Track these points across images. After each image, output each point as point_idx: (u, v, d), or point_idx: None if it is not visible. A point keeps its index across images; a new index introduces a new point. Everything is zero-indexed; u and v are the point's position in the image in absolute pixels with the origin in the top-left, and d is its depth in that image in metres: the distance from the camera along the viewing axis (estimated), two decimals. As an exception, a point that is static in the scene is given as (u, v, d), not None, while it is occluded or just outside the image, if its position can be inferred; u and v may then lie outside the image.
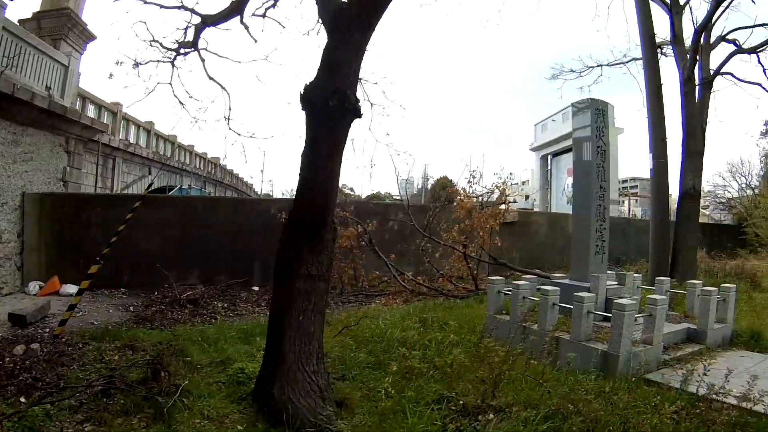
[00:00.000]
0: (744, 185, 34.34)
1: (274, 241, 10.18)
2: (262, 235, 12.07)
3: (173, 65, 8.60)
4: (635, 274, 9.04)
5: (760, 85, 13.76)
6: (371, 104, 13.33)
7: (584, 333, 6.44)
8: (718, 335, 7.53)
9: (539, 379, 5.30)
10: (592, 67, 16.13)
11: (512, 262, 15.97)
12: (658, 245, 11.44)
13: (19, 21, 13.59)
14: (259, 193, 52.63)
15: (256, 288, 12.31)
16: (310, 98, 4.72)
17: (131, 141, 23.79)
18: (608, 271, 8.64)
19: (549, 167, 43.91)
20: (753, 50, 13.29)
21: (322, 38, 8.43)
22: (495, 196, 12.60)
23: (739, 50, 13.17)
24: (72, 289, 10.43)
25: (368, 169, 21.13)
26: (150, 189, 26.42)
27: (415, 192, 68.18)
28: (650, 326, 6.33)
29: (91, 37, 15.69)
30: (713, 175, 38.90)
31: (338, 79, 4.66)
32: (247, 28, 8.41)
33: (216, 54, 8.88)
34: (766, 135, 23.79)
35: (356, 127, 5.67)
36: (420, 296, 11.28)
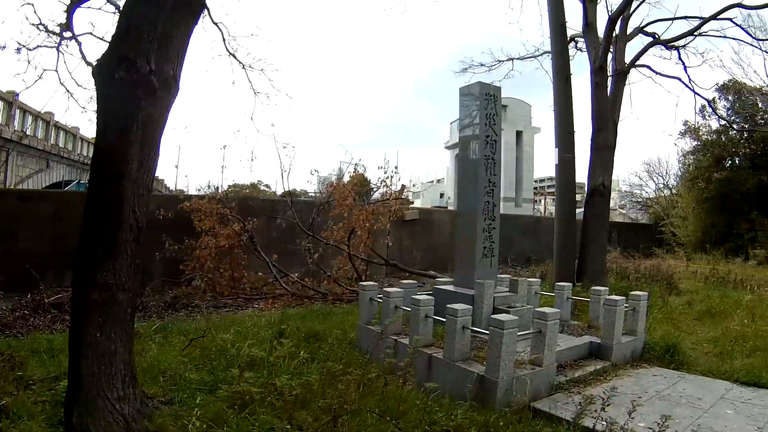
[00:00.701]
0: (661, 185, 35.15)
1: (155, 240, 9.06)
2: (150, 232, 10.68)
3: (59, 51, 7.94)
4: (532, 279, 8.24)
5: (679, 79, 13.32)
6: (255, 93, 12.60)
7: (459, 352, 5.46)
8: (627, 350, 6.63)
9: (397, 407, 4.44)
10: (503, 60, 15.45)
11: (413, 263, 15.38)
12: (564, 246, 10.75)
13: None
14: (172, 189, 49.95)
15: (149, 288, 10.80)
16: (99, 70, 4.10)
17: (28, 133, 21.68)
18: (503, 276, 7.83)
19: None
20: (671, 42, 12.80)
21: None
22: (397, 192, 11.56)
23: (656, 42, 12.59)
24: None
25: (250, 162, 19.59)
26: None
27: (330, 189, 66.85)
28: (540, 344, 5.34)
29: None
30: (630, 174, 39.73)
31: (129, 45, 3.99)
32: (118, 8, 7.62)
33: (102, 39, 8.09)
34: (685, 135, 23.96)
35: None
36: (305, 300, 10.49)
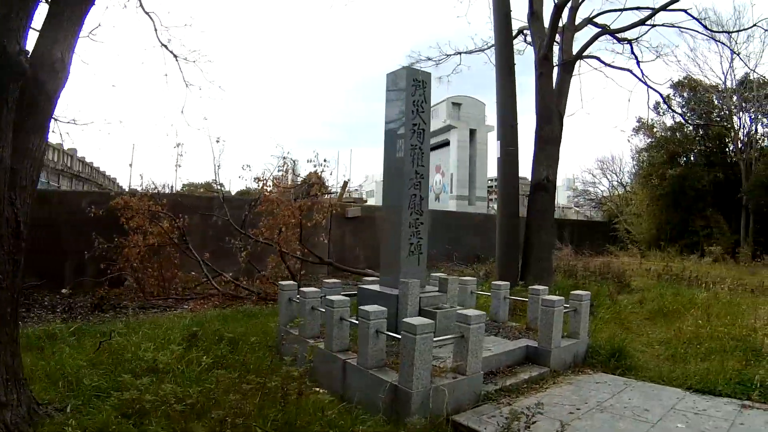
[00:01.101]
0: (615, 182, 35.25)
1: (86, 238, 8.45)
2: (72, 232, 10.60)
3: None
4: (467, 278, 7.79)
5: (630, 71, 13.03)
6: (187, 84, 12.12)
7: (373, 358, 4.97)
8: (567, 354, 6.10)
9: (295, 420, 3.98)
10: (450, 54, 14.97)
11: (357, 262, 15.00)
12: (506, 244, 10.34)
13: None
14: (126, 188, 48.46)
15: (65, 291, 10.56)
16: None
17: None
18: (438, 275, 7.38)
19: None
20: (620, 31, 12.43)
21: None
22: (336, 188, 11.05)
23: (605, 31, 12.18)
24: None
25: (177, 157, 18.98)
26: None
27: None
28: (463, 350, 4.82)
29: None
30: (583, 171, 39.77)
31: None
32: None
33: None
34: (639, 131, 23.90)
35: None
36: (237, 300, 10.11)
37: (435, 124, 40.51)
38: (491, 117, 42.09)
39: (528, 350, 6.05)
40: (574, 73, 11.69)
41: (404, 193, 6.41)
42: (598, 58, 12.60)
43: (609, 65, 12.73)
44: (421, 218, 6.52)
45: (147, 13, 10.30)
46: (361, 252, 15.51)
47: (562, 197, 51.09)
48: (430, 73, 6.72)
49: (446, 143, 40.38)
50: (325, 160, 10.78)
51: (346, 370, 5.17)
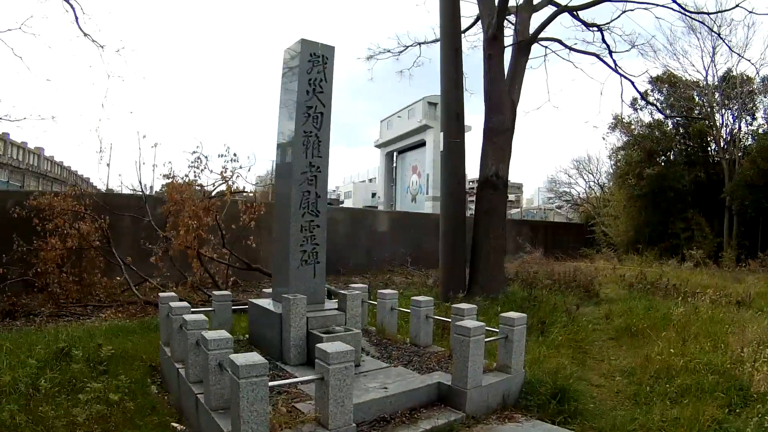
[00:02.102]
0: (592, 183, 34.08)
1: (6, 241, 8.48)
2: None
3: None
4: (387, 291, 6.70)
5: (597, 56, 11.70)
6: (108, 75, 11.42)
7: (217, 397, 3.88)
8: (493, 395, 4.70)
9: None
10: (409, 45, 13.84)
11: None
12: (450, 249, 9.24)
13: None
14: (102, 189, 47.11)
15: None
16: None
17: None
18: (359, 286, 6.36)
19: (394, 164, 44.68)
20: (581, 10, 11.09)
21: None
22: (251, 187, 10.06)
23: (564, 9, 10.68)
24: None
25: (101, 153, 17.87)
26: None
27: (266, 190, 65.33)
28: (323, 396, 3.59)
29: None
30: (558, 172, 38.57)
31: None
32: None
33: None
34: (615, 129, 22.71)
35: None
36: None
37: (411, 124, 39.97)
38: (469, 118, 41.34)
39: (440, 388, 4.66)
40: (532, 58, 10.55)
41: (293, 189, 5.33)
42: (558, 41, 11.30)
43: (572, 48, 11.44)
44: (316, 220, 5.45)
45: (67, 1, 9.54)
46: None
47: (542, 199, 50.32)
48: (333, 47, 5.62)
49: (422, 143, 39.50)
50: (234, 155, 9.60)
51: (198, 408, 4.11)
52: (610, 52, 11.85)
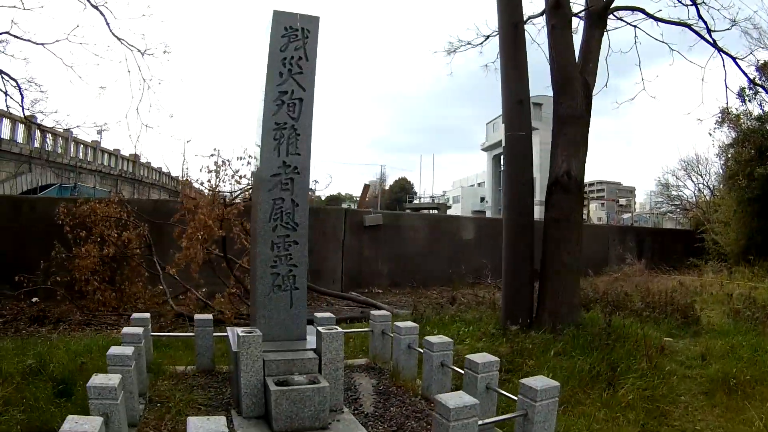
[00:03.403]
0: (701, 185, 30.14)
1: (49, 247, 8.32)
2: (43, 239, 9.31)
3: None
4: (407, 325, 5.33)
5: (689, 26, 8.89)
6: (144, 79, 11.03)
7: None
8: None
9: None
10: (489, 35, 12.20)
11: (378, 277, 12.99)
12: (514, 265, 7.62)
13: None
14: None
15: (36, 299, 9.36)
16: None
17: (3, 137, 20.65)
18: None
19: (502, 168, 42.55)
20: None
21: None
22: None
23: None
24: None
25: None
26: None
27: (375, 194, 65.90)
28: None
29: None
30: (666, 173, 34.42)
31: None
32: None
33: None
34: (723, 124, 19.53)
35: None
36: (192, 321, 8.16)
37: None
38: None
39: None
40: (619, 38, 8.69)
41: (261, 195, 4.24)
42: (641, 9, 9.18)
43: (658, 19, 9.23)
44: (293, 235, 4.31)
45: (95, 7, 9.27)
46: (382, 266, 13.29)
47: (653, 203, 46.42)
48: (317, 18, 4.48)
49: (527, 146, 37.99)
50: (219, 155, 8.70)
51: None
52: (709, 31, 9.66)
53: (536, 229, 7.89)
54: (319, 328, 4.13)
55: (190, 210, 8.02)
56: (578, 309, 7.82)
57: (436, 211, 50.73)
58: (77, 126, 14.36)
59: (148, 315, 5.07)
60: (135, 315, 5.04)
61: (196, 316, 5.22)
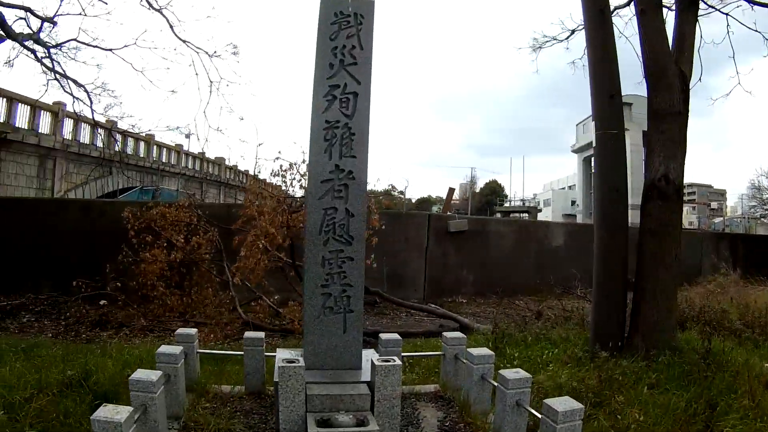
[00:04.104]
0: None
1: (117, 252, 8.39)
2: (111, 243, 9.42)
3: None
4: (479, 351, 4.62)
5: None
6: (211, 82, 10.99)
7: None
8: None
9: None
10: (575, 30, 11.22)
11: (464, 285, 12.41)
12: (605, 279, 6.66)
13: None
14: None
15: (104, 302, 9.45)
16: None
17: (85, 141, 21.74)
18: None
19: (593, 170, 40.93)
20: None
21: None
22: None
23: None
24: None
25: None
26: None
27: (465, 197, 65.14)
28: None
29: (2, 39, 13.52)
30: (760, 176, 30.99)
31: None
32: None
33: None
34: None
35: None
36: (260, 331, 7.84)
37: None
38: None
39: None
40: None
41: (311, 205, 3.73)
42: None
43: (755, 2, 8.04)
44: (348, 250, 3.77)
45: (157, 10, 9.27)
46: (468, 274, 12.66)
47: (746, 207, 42.86)
48: (372, 2, 3.91)
49: (618, 146, 36.04)
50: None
51: None
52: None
53: (632, 235, 6.94)
54: (374, 359, 3.54)
55: (252, 217, 7.68)
56: (674, 331, 6.77)
57: (526, 215, 49.43)
58: (149, 130, 14.63)
59: (194, 330, 4.70)
60: (179, 330, 4.69)
61: (246, 334, 4.79)
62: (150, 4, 9.30)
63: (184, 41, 10.18)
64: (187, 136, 22.14)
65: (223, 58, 12.07)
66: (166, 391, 3.57)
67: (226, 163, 36.48)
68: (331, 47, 3.76)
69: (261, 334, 4.77)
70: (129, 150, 25.45)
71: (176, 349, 3.96)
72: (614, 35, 6.95)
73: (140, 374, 3.32)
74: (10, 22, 10.14)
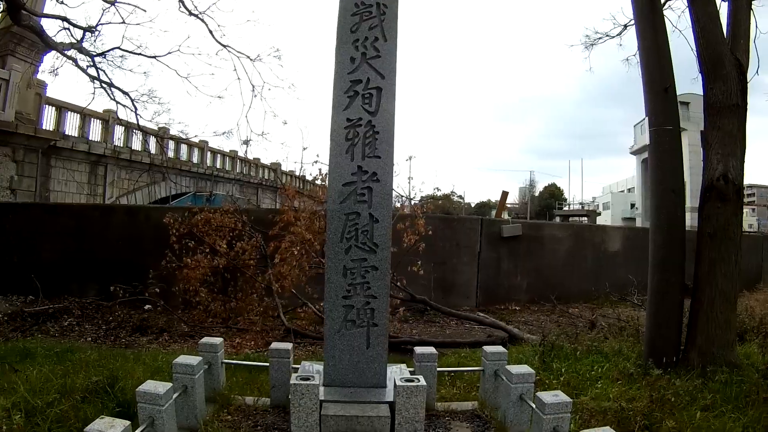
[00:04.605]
0: None
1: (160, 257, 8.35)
2: (156, 247, 9.59)
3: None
4: (519, 369, 4.24)
5: None
6: (253, 86, 10.92)
7: None
8: None
9: None
10: (628, 24, 10.60)
11: (517, 291, 11.95)
12: (660, 291, 6.17)
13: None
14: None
15: (148, 306, 9.61)
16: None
17: (136, 148, 22.26)
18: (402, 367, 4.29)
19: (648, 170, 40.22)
20: None
21: None
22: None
23: None
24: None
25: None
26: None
27: (524, 201, 64.42)
28: None
29: (47, 49, 14.18)
30: None
31: None
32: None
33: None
34: None
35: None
36: (300, 338, 7.78)
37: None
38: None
39: None
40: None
41: (332, 209, 3.47)
42: None
43: None
44: (371, 258, 3.48)
45: (196, 15, 9.30)
46: (521, 280, 12.19)
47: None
48: (398, -8, 3.62)
49: (677, 147, 34.61)
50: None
51: None
52: None
53: (690, 240, 6.35)
54: (396, 378, 3.24)
55: (290, 222, 7.51)
56: (733, 346, 6.09)
57: (585, 219, 47.87)
58: (195, 135, 14.78)
59: (219, 340, 4.49)
60: (203, 340, 4.51)
61: (272, 345, 4.55)
62: (189, 11, 9.27)
63: (225, 46, 10.18)
64: (245, 142, 22.42)
65: (265, 62, 11.99)
66: (182, 402, 3.40)
67: (282, 168, 36.85)
68: (352, 40, 3.51)
69: (288, 345, 4.53)
70: (183, 156, 25.96)
71: (194, 360, 3.77)
72: (665, 25, 6.40)
73: (148, 386, 3.15)
74: (53, 33, 10.47)
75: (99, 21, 10.81)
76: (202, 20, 9.80)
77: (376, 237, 3.48)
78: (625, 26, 10.77)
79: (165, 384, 3.22)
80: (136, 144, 21.39)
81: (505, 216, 19.74)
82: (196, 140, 25.10)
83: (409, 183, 18.04)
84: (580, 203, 59.93)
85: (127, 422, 2.71)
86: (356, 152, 3.47)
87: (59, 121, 18.94)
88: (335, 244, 3.44)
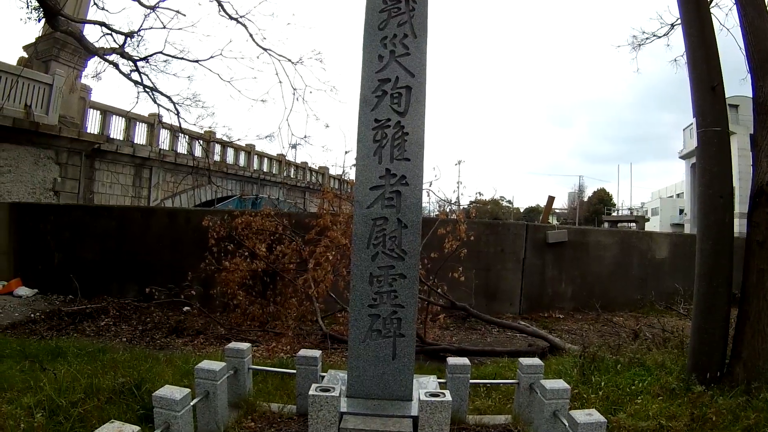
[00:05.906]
0: None
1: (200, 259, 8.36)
2: (196, 249, 9.74)
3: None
4: (553, 384, 4.01)
5: None
6: (294, 89, 10.89)
7: None
8: None
9: None
10: (675, 24, 10.18)
11: (562, 299, 11.60)
12: (706, 301, 5.81)
13: (23, 47, 16.31)
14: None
15: (187, 309, 9.68)
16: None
17: (180, 151, 22.63)
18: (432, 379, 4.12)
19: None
20: None
21: None
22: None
23: None
24: (24, 291, 10.30)
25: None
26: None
27: (573, 206, 63.46)
28: None
29: (91, 54, 14.66)
30: None
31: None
32: None
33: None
34: None
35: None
36: (337, 344, 7.64)
37: (710, 130, 34.25)
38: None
39: None
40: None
41: (358, 214, 3.33)
42: None
43: None
44: (399, 266, 3.33)
45: (235, 20, 9.37)
46: (567, 287, 11.81)
47: None
48: (431, -16, 3.47)
49: (726, 152, 33.23)
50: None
51: None
52: None
53: (738, 248, 5.95)
54: (421, 392, 3.07)
55: (326, 227, 7.42)
56: None
57: (634, 224, 46.47)
58: (238, 139, 14.95)
59: (246, 345, 4.40)
60: (230, 345, 4.42)
61: (300, 352, 4.44)
62: (229, 15, 9.35)
63: (265, 50, 10.26)
64: (294, 146, 22.59)
65: (306, 65, 12.07)
66: (203, 408, 3.32)
67: (330, 172, 37.06)
68: (380, 37, 3.36)
69: (317, 353, 4.42)
70: (229, 159, 26.30)
71: (217, 365, 3.69)
72: (712, 21, 6.03)
73: (165, 391, 3.08)
74: (95, 38, 10.71)
75: (141, 26, 11.05)
76: (243, 24, 9.93)
77: (405, 243, 3.32)
78: (672, 25, 10.35)
79: (183, 390, 3.14)
80: (182, 147, 21.74)
81: (553, 221, 19.22)
82: (241, 144, 25.41)
83: (458, 187, 17.78)
84: (629, 209, 58.44)
85: (137, 428, 2.63)
86: (384, 154, 3.32)
87: (104, 124, 19.50)
88: (361, 250, 3.30)
